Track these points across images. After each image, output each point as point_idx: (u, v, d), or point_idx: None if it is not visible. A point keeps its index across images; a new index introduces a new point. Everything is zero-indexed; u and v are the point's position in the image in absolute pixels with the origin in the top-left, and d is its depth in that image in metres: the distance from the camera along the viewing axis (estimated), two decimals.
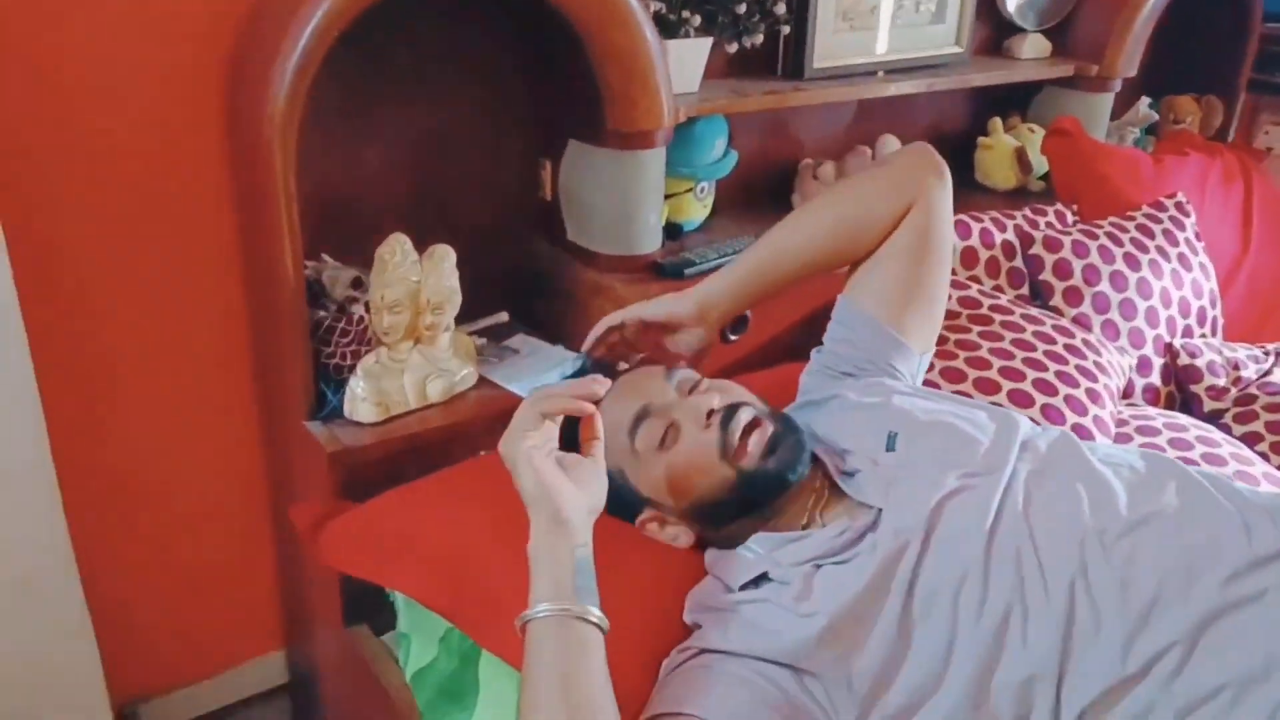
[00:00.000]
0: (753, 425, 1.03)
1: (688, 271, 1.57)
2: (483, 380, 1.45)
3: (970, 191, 2.06)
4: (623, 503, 1.08)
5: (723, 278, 1.21)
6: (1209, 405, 1.72)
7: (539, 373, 1.50)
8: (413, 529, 1.22)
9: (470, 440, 1.34)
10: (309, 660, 1.57)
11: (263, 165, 1.22)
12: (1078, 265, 1.73)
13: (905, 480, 1.04)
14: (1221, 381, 1.73)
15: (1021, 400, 1.47)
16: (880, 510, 1.03)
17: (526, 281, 1.65)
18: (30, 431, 1.25)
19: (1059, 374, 1.51)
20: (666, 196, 1.64)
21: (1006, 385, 1.48)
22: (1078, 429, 1.45)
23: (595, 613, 0.88)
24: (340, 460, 1.29)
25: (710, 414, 1.03)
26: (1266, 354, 1.82)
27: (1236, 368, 1.75)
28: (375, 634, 1.37)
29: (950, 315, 1.61)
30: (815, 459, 1.12)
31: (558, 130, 1.56)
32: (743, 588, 1.02)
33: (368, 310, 1.34)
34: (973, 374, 1.49)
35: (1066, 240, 1.75)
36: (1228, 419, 1.69)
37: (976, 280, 1.74)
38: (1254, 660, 0.87)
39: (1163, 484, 1.02)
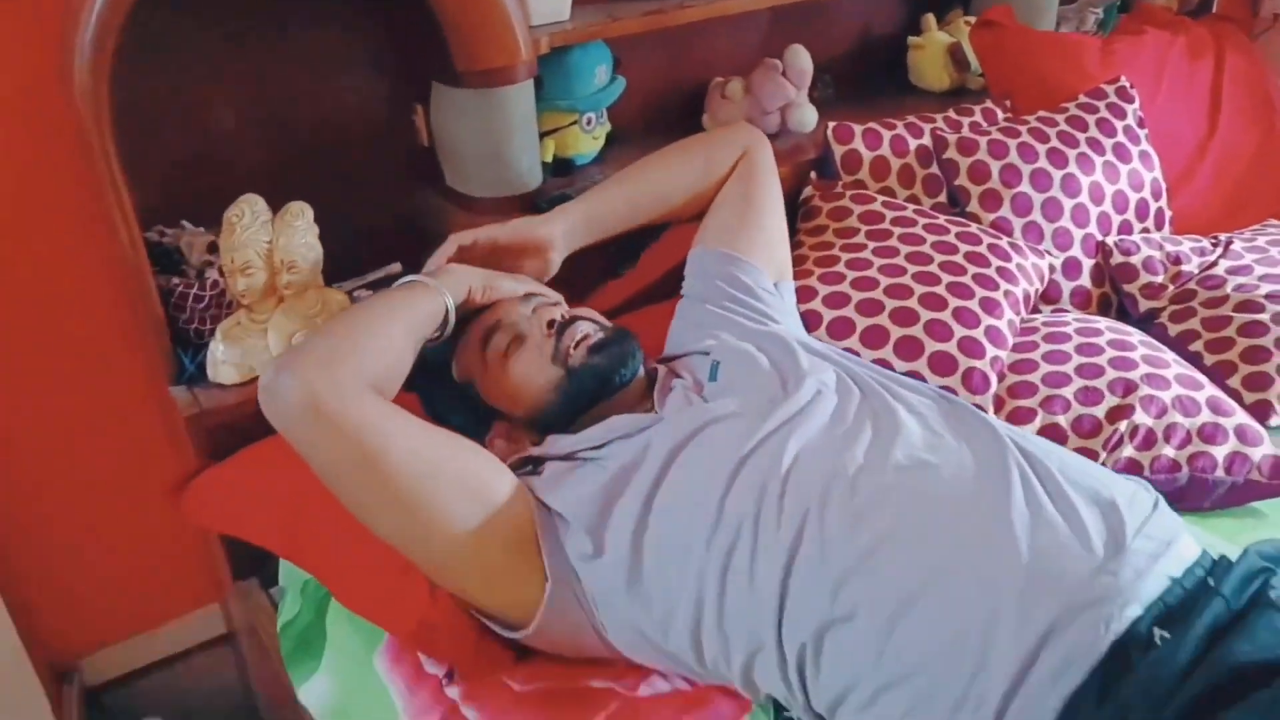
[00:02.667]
0: (586, 336, 1.12)
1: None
2: None
3: (904, 96, 1.94)
4: (475, 417, 1.15)
5: (577, 208, 1.30)
6: (1144, 305, 1.61)
7: None
8: (264, 482, 1.24)
9: None
10: (230, 612, 1.63)
11: (77, 127, 1.19)
12: (995, 167, 1.63)
13: (698, 403, 1.07)
14: (1159, 279, 1.62)
15: (906, 318, 1.40)
16: (661, 418, 1.06)
17: (417, 232, 1.64)
18: None
19: (951, 286, 1.43)
20: (549, 132, 1.60)
21: (890, 304, 1.41)
22: (966, 342, 1.38)
23: (447, 292, 1.09)
24: (200, 423, 1.31)
25: (551, 324, 1.13)
26: (1216, 244, 1.69)
27: (1178, 262, 1.63)
28: (264, 588, 1.41)
29: (848, 233, 1.54)
30: (651, 377, 1.17)
31: (423, 73, 1.52)
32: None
33: (222, 274, 1.35)
34: (856, 296, 1.43)
35: (983, 141, 1.65)
36: (1164, 318, 1.58)
37: (889, 192, 1.66)
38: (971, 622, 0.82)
39: (960, 444, 0.97)
